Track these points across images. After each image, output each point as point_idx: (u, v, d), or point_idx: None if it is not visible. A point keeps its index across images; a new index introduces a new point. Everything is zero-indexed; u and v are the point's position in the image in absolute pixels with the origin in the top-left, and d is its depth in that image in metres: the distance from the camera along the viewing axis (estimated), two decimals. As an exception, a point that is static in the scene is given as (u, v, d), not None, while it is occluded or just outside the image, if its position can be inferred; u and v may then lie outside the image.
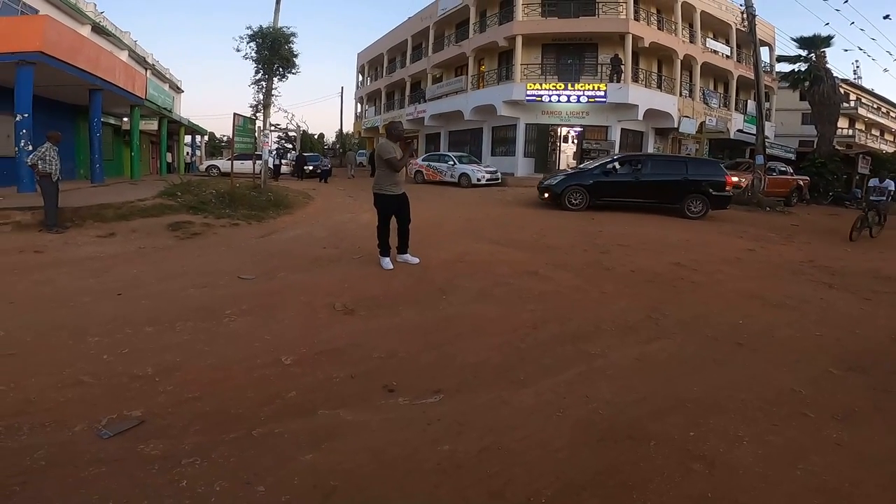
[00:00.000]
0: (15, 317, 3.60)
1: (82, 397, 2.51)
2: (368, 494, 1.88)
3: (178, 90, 27.91)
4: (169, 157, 23.44)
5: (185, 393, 2.59)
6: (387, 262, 5.48)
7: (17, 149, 9.69)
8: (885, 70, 40.61)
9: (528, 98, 19.49)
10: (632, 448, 2.21)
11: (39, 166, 6.88)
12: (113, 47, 17.51)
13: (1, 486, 1.80)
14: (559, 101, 19.49)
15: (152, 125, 19.50)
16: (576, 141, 21.08)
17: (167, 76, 25.62)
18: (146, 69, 21.29)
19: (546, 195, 11.72)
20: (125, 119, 17.69)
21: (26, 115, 9.62)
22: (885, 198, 10.51)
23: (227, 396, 2.57)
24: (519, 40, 20.02)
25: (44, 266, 5.24)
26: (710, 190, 10.96)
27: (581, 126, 20.24)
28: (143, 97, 15.96)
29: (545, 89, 19.52)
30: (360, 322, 3.80)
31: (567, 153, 22.01)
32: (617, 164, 11.52)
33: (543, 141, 21.16)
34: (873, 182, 10.99)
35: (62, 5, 14.90)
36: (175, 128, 23.66)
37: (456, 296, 4.55)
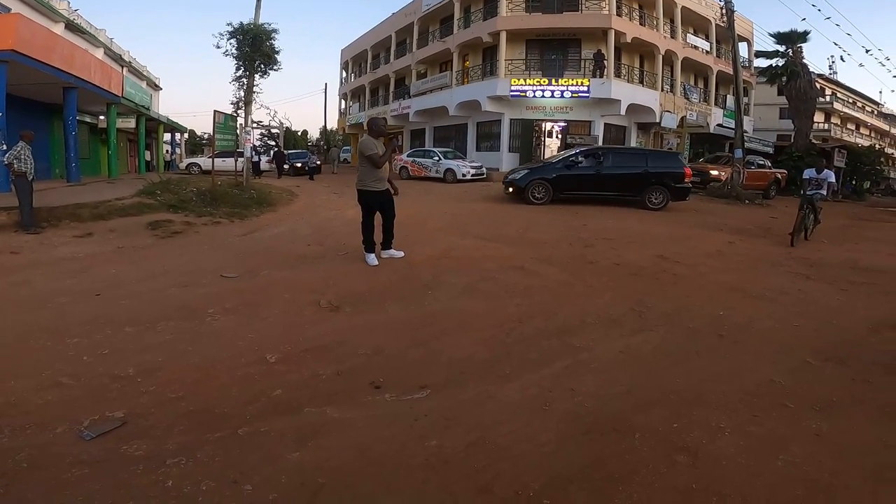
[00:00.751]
0: (-11, 319, 3.49)
1: (63, 399, 2.47)
2: (356, 491, 1.87)
3: (157, 88, 27.37)
4: (147, 156, 22.98)
5: (168, 393, 2.55)
6: (372, 259, 5.47)
7: (-10, 148, 9.40)
8: (861, 65, 41.53)
9: (512, 93, 19.52)
10: (617, 440, 2.23)
11: (15, 165, 6.71)
12: (88, 45, 17.16)
13: (-19, 490, 1.76)
14: (543, 96, 19.57)
15: (130, 123, 19.11)
16: (560, 136, 21.19)
17: (144, 73, 25.10)
18: (122, 67, 20.84)
19: (511, 189, 11.85)
20: (101, 117, 17.36)
21: (0, 115, 9.37)
22: (823, 191, 8.61)
23: (211, 396, 2.54)
24: (503, 36, 20.02)
25: (20, 267, 5.11)
26: (670, 182, 11.17)
27: (565, 121, 20.33)
28: (120, 95, 15.70)
29: (529, 84, 19.57)
30: (345, 319, 3.78)
31: (552, 148, 22.08)
32: (580, 158, 11.68)
33: (528, 136, 21.21)
34: (809, 173, 8.73)
35: (34, 3, 14.52)
36: (154, 125, 23.24)
37: (441, 291, 4.55)
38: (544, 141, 21.81)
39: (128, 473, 1.91)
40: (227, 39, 11.95)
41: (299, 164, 22.09)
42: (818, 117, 29.70)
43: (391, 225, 5.61)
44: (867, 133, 40.38)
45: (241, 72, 12.25)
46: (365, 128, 6.02)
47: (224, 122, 11.48)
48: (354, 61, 35.16)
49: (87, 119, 17.40)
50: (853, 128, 38.77)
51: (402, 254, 5.69)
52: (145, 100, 19.71)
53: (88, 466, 1.94)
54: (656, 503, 1.84)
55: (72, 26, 16.59)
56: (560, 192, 11.33)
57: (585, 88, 18.95)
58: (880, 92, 69.01)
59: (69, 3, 17.33)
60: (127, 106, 17.10)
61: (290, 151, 26.57)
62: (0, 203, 7.26)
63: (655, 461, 2.07)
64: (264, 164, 22.30)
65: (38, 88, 12.07)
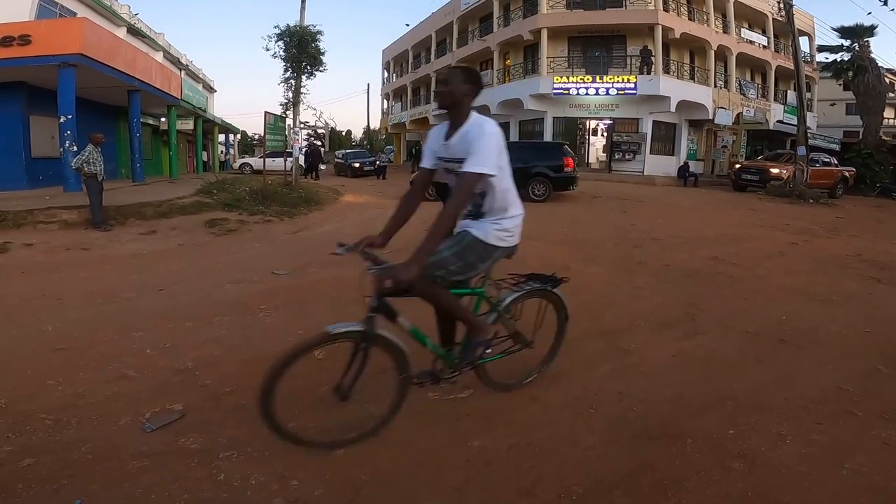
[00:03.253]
0: (63, 313, 3.75)
1: (127, 391, 2.57)
2: (397, 490, 1.88)
3: (211, 90, 28.58)
4: (204, 156, 24.00)
5: (224, 386, 2.64)
6: None
7: (61, 150, 10.05)
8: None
9: (555, 91, 19.22)
10: (667, 446, 2.14)
11: (85, 168, 7.19)
12: (148, 49, 17.90)
13: (49, 479, 1.86)
14: (587, 93, 19.15)
15: (188, 125, 19.94)
16: (605, 134, 20.66)
17: (201, 76, 26.23)
18: (181, 70, 21.81)
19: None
20: (163, 119, 18.10)
21: (69, 117, 9.93)
22: None
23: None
24: (544, 33, 19.73)
25: (90, 263, 5.47)
26: (550, 173, 11.15)
27: (611, 119, 19.82)
28: (179, 97, 16.30)
29: (572, 82, 19.21)
30: (390, 316, 3.81)
31: (597, 146, 21.62)
32: None
33: (572, 134, 20.81)
34: None
35: (98, 7, 15.25)
36: (209, 127, 24.18)
37: (485, 290, 4.52)
38: (589, 139, 21.36)
39: (184, 466, 1.97)
40: (275, 42, 12.33)
41: (357, 165, 21.48)
42: (888, 113, 27.52)
43: None
44: (946, 128, 36.99)
45: (289, 73, 12.61)
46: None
47: (274, 123, 11.84)
48: (396, 61, 35.59)
49: (150, 121, 18.18)
50: (928, 123, 35.62)
51: None
52: (202, 102, 20.49)
53: (148, 459, 2.01)
54: (708, 510, 1.75)
55: (133, 30, 17.38)
56: None
57: (632, 85, 18.40)
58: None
59: (130, 7, 18.22)
60: (185, 108, 17.69)
61: (347, 150, 26.72)
62: (72, 202, 7.83)
63: (708, 468, 1.98)
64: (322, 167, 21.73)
65: (104, 91, 12.57)
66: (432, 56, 28.95)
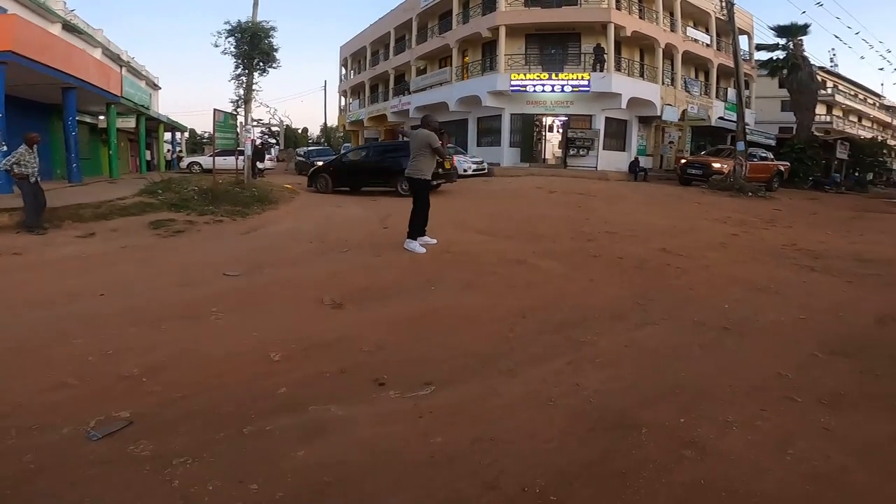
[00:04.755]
0: (-6, 320, 3.50)
1: (69, 399, 2.46)
2: (361, 489, 1.86)
3: (156, 87, 27.32)
4: (148, 155, 22.95)
5: (173, 392, 2.54)
6: (421, 247, 5.79)
7: (-10, 150, 9.39)
8: (862, 58, 41.18)
9: (512, 88, 19.47)
10: (623, 436, 2.21)
11: (15, 170, 6.71)
12: (85, 45, 17.11)
13: (-12, 490, 1.76)
14: (543, 90, 19.51)
15: (130, 123, 19.09)
16: (561, 130, 21.13)
17: (143, 73, 25.05)
18: (121, 66, 20.78)
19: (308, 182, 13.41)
20: (101, 117, 17.32)
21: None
22: None
23: (215, 395, 2.53)
24: (502, 31, 19.95)
25: (24, 268, 5.12)
26: None
27: (566, 115, 20.28)
28: (119, 94, 15.68)
29: (529, 79, 19.52)
30: (348, 315, 3.77)
31: (553, 142, 22.08)
32: (351, 155, 13.48)
33: (529, 131, 21.17)
34: None
35: (31, 4, 14.47)
36: (154, 125, 23.18)
37: (444, 286, 4.54)
38: (545, 135, 21.77)
39: (135, 474, 1.90)
40: (226, 38, 11.94)
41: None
42: (820, 109, 29.55)
43: (412, 212, 5.96)
44: (869, 125, 40.15)
45: (240, 70, 12.25)
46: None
47: (224, 121, 11.45)
48: (353, 58, 35.10)
49: (87, 119, 17.36)
50: (855, 120, 38.55)
51: (424, 250, 5.85)
52: (144, 99, 19.69)
53: (96, 467, 1.94)
54: (663, 499, 1.82)
55: (69, 27, 16.54)
56: (336, 183, 12.66)
57: (586, 83, 18.88)
58: (881, 84, 68.50)
59: (65, 3, 17.28)
60: (126, 105, 17.06)
61: (310, 148, 26.04)
62: (3, 205, 7.27)
63: (662, 457, 2.05)
64: (267, 163, 21.42)
65: (36, 89, 12.01)
66: (391, 53, 28.70)
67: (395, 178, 11.72)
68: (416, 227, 5.93)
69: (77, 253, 5.82)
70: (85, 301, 4.02)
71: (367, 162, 12.59)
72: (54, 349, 3.04)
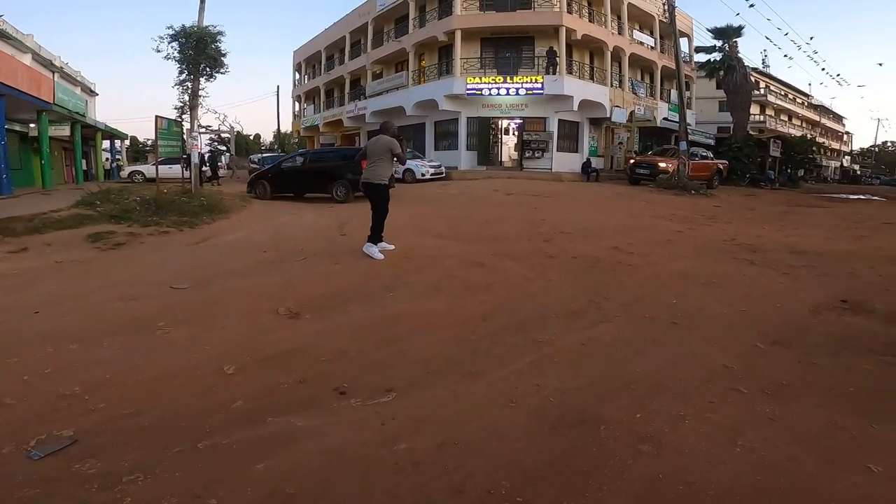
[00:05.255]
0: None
1: (6, 419, 2.33)
2: (327, 499, 1.83)
3: (92, 93, 25.89)
4: (85, 165, 21.67)
5: (120, 409, 2.43)
6: (379, 253, 5.77)
7: None
8: (788, 57, 44.09)
9: (468, 92, 19.66)
10: (584, 434, 2.26)
11: None
12: (14, 51, 16.21)
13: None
14: (499, 93, 19.81)
15: (64, 131, 18.09)
16: (516, 133, 21.51)
17: (78, 79, 23.69)
18: (53, 72, 19.60)
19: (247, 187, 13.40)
20: (32, 125, 16.36)
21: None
22: None
23: (167, 410, 2.43)
24: (458, 34, 20.13)
25: (-57, 288, 4.69)
26: (350, 175, 11.70)
27: (521, 118, 20.67)
28: (51, 101, 14.88)
29: (485, 83, 19.77)
30: (306, 325, 3.69)
31: (509, 145, 22.45)
32: (290, 161, 13.54)
33: (485, 134, 21.44)
34: None
35: (-46, 10, 13.48)
36: (91, 133, 21.97)
37: (403, 291, 4.52)
38: (501, 138, 22.11)
39: (82, 492, 1.82)
40: (168, 43, 11.43)
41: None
42: (754, 109, 31.48)
43: (372, 218, 5.94)
44: (799, 123, 43.12)
45: (184, 75, 11.75)
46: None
47: (168, 128, 10.94)
48: (308, 63, 34.47)
49: (17, 128, 16.33)
50: (786, 119, 41.28)
51: (380, 256, 5.81)
52: (80, 106, 18.64)
53: (39, 486, 1.85)
54: (625, 494, 1.86)
55: (-5, 33, 15.54)
56: (276, 189, 12.70)
57: (539, 85, 19.30)
58: (809, 84, 73.72)
59: (-8, 9, 16.21)
60: (59, 113, 16.19)
61: (265, 155, 25.12)
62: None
63: (622, 452, 2.11)
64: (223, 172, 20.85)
65: None
66: (346, 57, 28.37)
67: (331, 183, 11.94)
68: (377, 231, 5.90)
69: (8, 269, 5.40)
70: (18, 320, 3.74)
71: (304, 168, 12.73)
72: (-15, 371, 2.81)
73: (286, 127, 40.63)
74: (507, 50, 21.15)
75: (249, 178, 14.08)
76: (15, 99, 12.31)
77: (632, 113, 22.69)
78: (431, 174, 17.23)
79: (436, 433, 2.26)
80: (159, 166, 11.80)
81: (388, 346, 3.29)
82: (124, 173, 23.22)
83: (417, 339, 3.43)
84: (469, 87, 19.60)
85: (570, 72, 20.27)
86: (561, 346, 3.30)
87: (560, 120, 20.67)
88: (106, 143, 26.96)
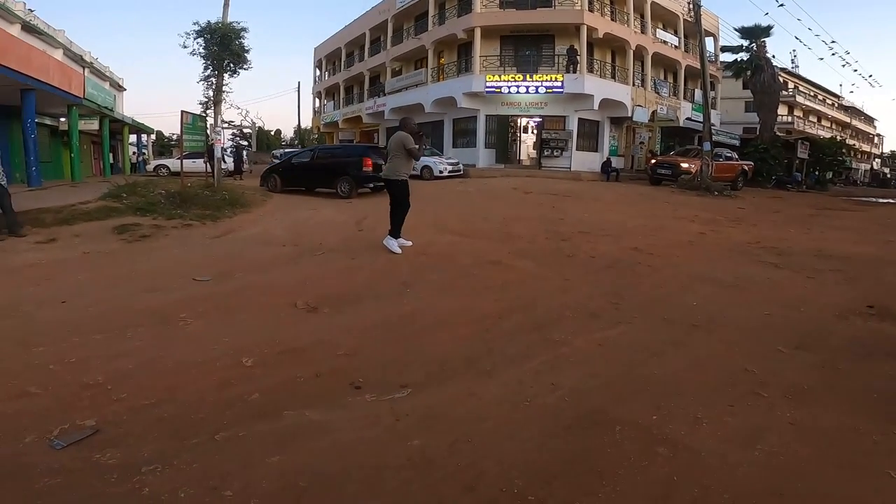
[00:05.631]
0: (-51, 330, 3.32)
1: (31, 408, 2.38)
2: (339, 494, 1.84)
3: (120, 88, 26.51)
4: (112, 158, 22.23)
5: (141, 400, 2.47)
6: (397, 246, 5.84)
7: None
8: (821, 59, 43.02)
9: (487, 89, 19.58)
10: (599, 434, 2.24)
11: None
12: (46, 46, 16.54)
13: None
14: (518, 92, 19.68)
15: (93, 125, 18.49)
16: (535, 131, 21.36)
17: (107, 74, 24.27)
18: (83, 67, 20.09)
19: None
20: (63, 119, 16.77)
21: (-47, 118, 8.95)
22: None
23: (186, 402, 2.47)
24: (478, 32, 20.05)
25: (-22, 276, 4.87)
26: (354, 171, 11.94)
27: (540, 116, 20.52)
28: (81, 96, 15.18)
29: (504, 80, 19.67)
30: (323, 319, 3.72)
31: (527, 143, 22.30)
32: (299, 157, 13.91)
33: (504, 132, 21.34)
34: None
35: (-12, 5, 13.94)
36: (118, 127, 22.49)
37: (420, 288, 4.53)
38: (520, 136, 21.98)
39: (102, 482, 1.85)
40: (194, 39, 11.66)
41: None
42: (782, 110, 30.71)
43: (390, 212, 6.01)
44: (828, 125, 41.91)
45: (209, 71, 11.97)
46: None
47: (192, 123, 11.15)
48: (328, 59, 34.75)
49: (48, 121, 16.78)
50: (815, 120, 40.19)
51: (399, 250, 5.89)
52: (108, 101, 19.10)
53: (61, 475, 1.88)
54: (640, 496, 1.84)
55: (28, 27, 15.99)
56: (285, 183, 13.02)
57: (559, 84, 19.12)
58: (840, 85, 71.56)
59: (25, 3, 16.69)
60: (89, 107, 16.52)
61: (287, 150, 25.38)
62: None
63: (637, 454, 2.08)
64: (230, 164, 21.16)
65: None
66: (366, 54, 28.51)
67: (336, 179, 12.11)
68: (396, 226, 5.95)
69: (37, 260, 5.57)
70: (45, 309, 3.85)
71: (312, 164, 13.01)
72: (14, 358, 2.91)
73: (306, 123, 41.14)
74: (527, 48, 21.00)
75: (262, 173, 14.45)
76: (46, 93, 12.55)
77: (654, 112, 22.33)
78: (449, 171, 17.22)
79: (449, 430, 2.25)
80: (184, 160, 12.03)
81: (404, 343, 3.30)
82: (150, 167, 23.74)
83: (433, 335, 3.44)
84: (488, 84, 19.52)
85: (590, 70, 20.03)
86: (577, 346, 3.27)
87: (580, 119, 20.45)
88: (133, 138, 27.60)
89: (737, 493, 1.85)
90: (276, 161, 22.82)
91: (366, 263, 5.39)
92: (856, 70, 56.93)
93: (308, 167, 12.97)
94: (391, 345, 3.27)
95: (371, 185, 12.14)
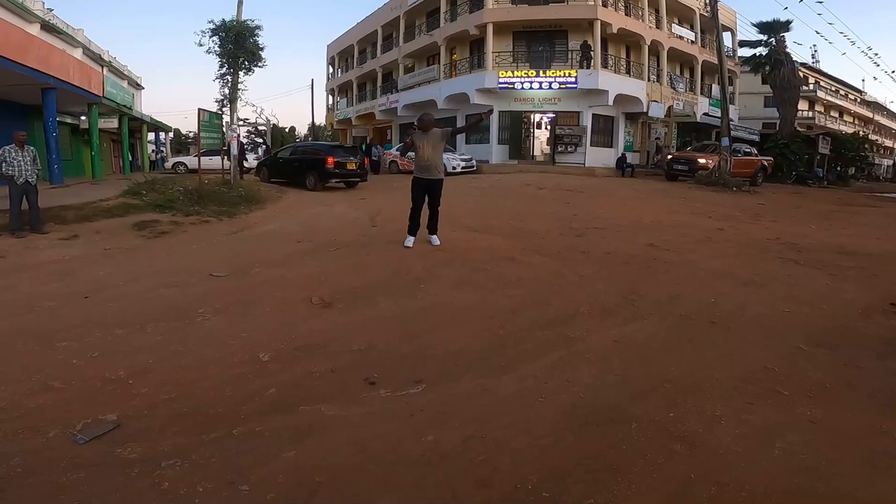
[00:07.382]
0: (-26, 325, 3.42)
1: (54, 403, 2.43)
2: (354, 489, 1.86)
3: (139, 87, 26.92)
4: (131, 156, 22.64)
5: (161, 394, 2.52)
6: (409, 241, 5.92)
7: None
8: (843, 54, 42.00)
9: (500, 85, 19.46)
10: (614, 431, 2.23)
11: (2, 168, 6.55)
12: (65, 45, 16.86)
13: (-23, 495, 1.74)
14: (531, 87, 19.52)
15: (112, 123, 18.86)
16: (549, 127, 21.19)
17: (126, 73, 24.66)
18: (102, 66, 20.45)
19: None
20: (83, 118, 17.06)
21: (-23, 116, 9.18)
22: None
23: (204, 396, 2.52)
24: (490, 28, 19.93)
25: (5, 272, 5.01)
26: (319, 167, 12.90)
27: (554, 112, 20.33)
28: (101, 95, 15.42)
29: (517, 76, 19.52)
30: (338, 315, 3.75)
31: (541, 139, 22.12)
32: (283, 153, 15.20)
33: (517, 128, 21.21)
34: None
35: (8, 4, 14.25)
36: (137, 125, 22.86)
37: (434, 284, 4.54)
38: (533, 132, 21.83)
39: (123, 476, 1.89)
40: (210, 37, 11.80)
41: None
42: (802, 105, 30.05)
43: (437, 212, 6.10)
44: (851, 120, 40.85)
45: (224, 69, 12.10)
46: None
47: (209, 121, 11.31)
48: (341, 56, 34.85)
49: (69, 120, 17.10)
50: (837, 115, 39.19)
51: (438, 242, 6.06)
52: (127, 99, 19.41)
53: (83, 470, 1.92)
54: (655, 494, 1.83)
55: (48, 27, 16.31)
56: (271, 175, 14.24)
57: (573, 79, 18.93)
58: (863, 80, 69.66)
59: (44, 3, 17.02)
60: (108, 106, 16.80)
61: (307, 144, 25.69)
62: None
63: (653, 451, 2.07)
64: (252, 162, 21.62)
65: (15, 90, 11.83)
66: (378, 51, 28.53)
67: (305, 173, 13.11)
68: (433, 225, 6.12)
69: (60, 256, 5.71)
70: (69, 304, 3.95)
71: (290, 159, 14.23)
72: (38, 353, 2.98)
73: (320, 120, 41.32)
74: (539, 44, 20.80)
75: (256, 164, 16.21)
76: (67, 92, 12.75)
77: (670, 108, 21.99)
78: (462, 167, 17.18)
79: (463, 426, 2.26)
80: (201, 157, 12.20)
81: (418, 338, 3.31)
82: (168, 164, 24.12)
83: (447, 331, 3.44)
84: (501, 80, 19.40)
85: (605, 66, 19.77)
86: (592, 343, 3.25)
87: (594, 114, 20.21)
88: (151, 136, 28.06)
89: (755, 492, 1.82)
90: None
91: (380, 259, 5.42)
92: (878, 64, 55.30)
93: (287, 162, 14.16)
94: (405, 340, 3.28)
95: (332, 181, 13.11)
